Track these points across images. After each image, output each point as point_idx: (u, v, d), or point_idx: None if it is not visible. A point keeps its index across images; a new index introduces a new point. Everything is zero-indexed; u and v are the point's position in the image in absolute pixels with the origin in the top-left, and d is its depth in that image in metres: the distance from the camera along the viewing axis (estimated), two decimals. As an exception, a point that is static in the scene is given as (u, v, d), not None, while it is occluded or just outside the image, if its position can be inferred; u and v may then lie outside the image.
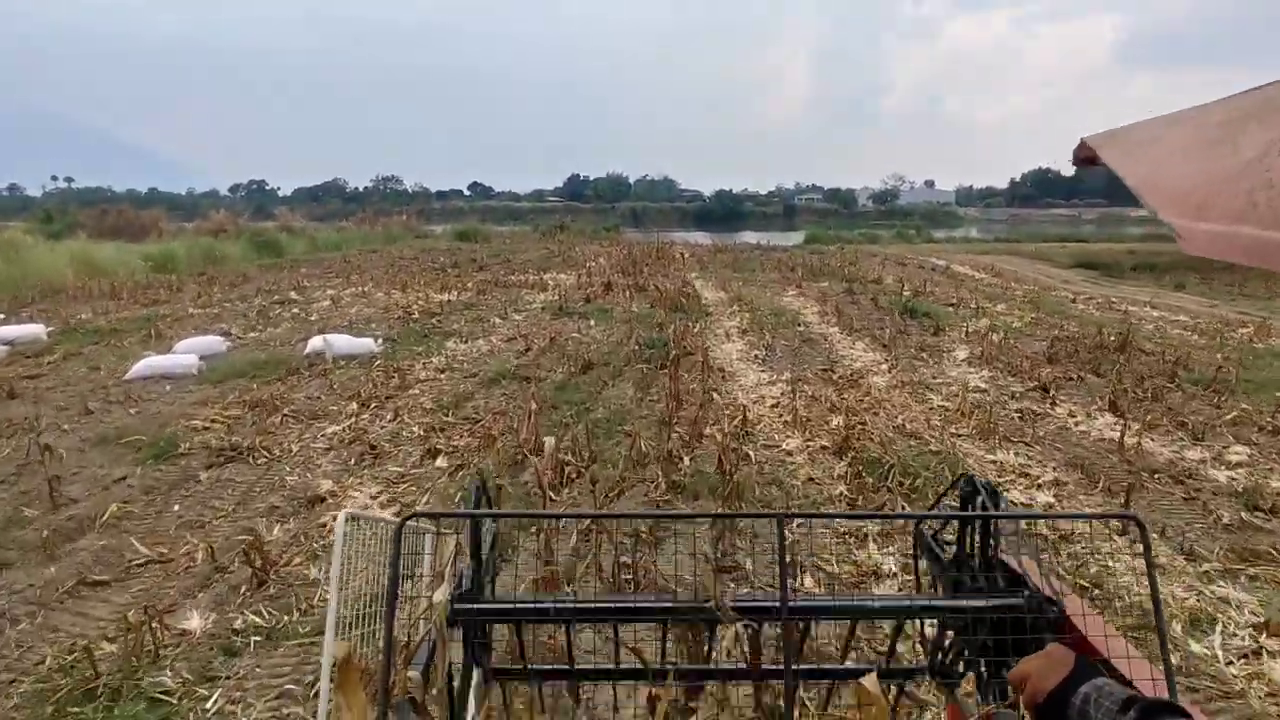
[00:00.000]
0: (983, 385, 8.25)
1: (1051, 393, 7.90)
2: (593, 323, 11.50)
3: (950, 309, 13.51)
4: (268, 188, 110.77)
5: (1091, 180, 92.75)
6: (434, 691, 1.67)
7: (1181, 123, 1.04)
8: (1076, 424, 6.91)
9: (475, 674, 1.93)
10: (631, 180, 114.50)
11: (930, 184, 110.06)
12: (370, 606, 2.49)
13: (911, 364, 9.13)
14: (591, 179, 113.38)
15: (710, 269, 20.04)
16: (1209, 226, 0.81)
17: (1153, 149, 1.03)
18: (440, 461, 5.74)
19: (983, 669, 1.83)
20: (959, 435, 6.46)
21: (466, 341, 10.21)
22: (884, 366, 8.96)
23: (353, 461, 5.81)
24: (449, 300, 13.88)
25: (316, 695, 2.75)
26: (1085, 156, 1.18)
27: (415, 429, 6.51)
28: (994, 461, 5.82)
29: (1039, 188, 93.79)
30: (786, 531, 1.83)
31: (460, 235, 30.85)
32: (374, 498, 5.12)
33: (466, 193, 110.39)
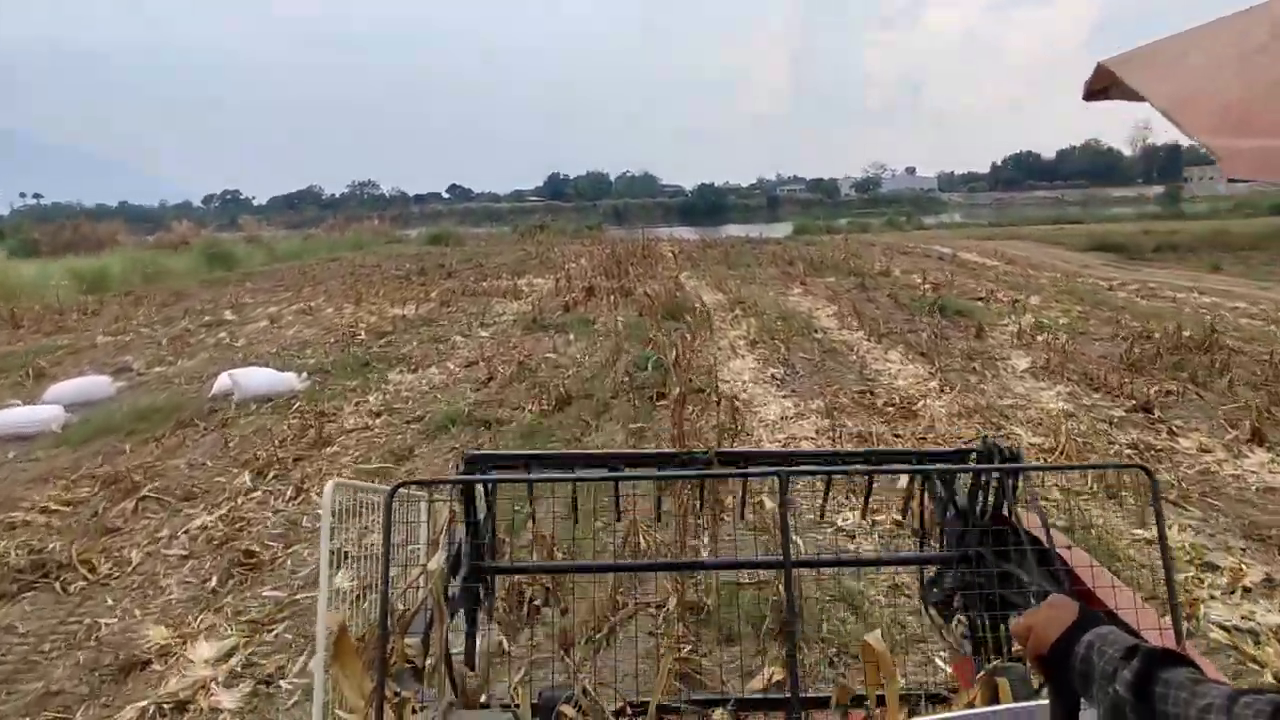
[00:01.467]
0: (1065, 406, 6.44)
1: (1157, 414, 6.11)
2: (572, 338, 9.60)
3: (979, 303, 11.72)
4: (242, 197, 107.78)
5: (1072, 160, 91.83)
6: (432, 659, 1.63)
7: (1215, 32, 0.89)
8: (1219, 463, 5.10)
9: (479, 639, 2.02)
10: (612, 177, 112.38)
11: (911, 171, 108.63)
12: (365, 575, 2.42)
13: (965, 379, 7.29)
14: (572, 178, 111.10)
15: (702, 266, 18.16)
16: (1254, 143, 0.71)
17: (1182, 64, 0.88)
18: (343, 578, 3.82)
19: (983, 616, 1.97)
20: (1079, 494, 4.61)
21: (416, 370, 8.26)
22: (933, 384, 7.12)
23: (214, 582, 3.89)
24: (405, 315, 11.92)
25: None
26: (1100, 86, 0.97)
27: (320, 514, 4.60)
28: (1149, 541, 3.98)
29: (1021, 170, 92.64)
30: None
31: (432, 239, 28.71)
32: (219, 661, 3.20)
33: (445, 195, 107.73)
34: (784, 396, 6.92)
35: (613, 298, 12.67)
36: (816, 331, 9.70)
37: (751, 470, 2.26)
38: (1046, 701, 0.92)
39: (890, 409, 6.40)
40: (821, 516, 3.06)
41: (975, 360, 8.05)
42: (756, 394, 7.04)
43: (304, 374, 7.60)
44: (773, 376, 7.64)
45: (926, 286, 13.62)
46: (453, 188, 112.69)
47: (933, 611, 2.21)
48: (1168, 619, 1.52)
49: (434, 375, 8.06)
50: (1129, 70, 0.91)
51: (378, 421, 6.44)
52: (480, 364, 8.37)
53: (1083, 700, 0.85)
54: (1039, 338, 9.00)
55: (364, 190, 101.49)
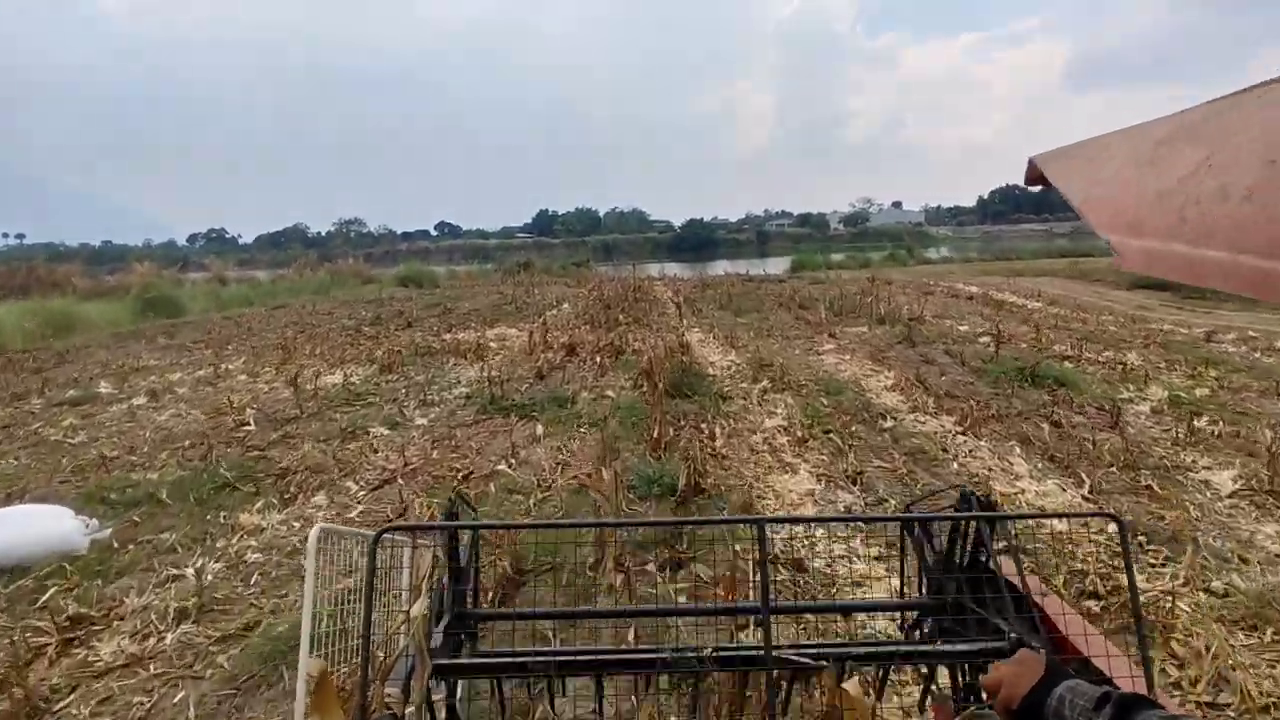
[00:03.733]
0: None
1: None
2: (542, 430, 6.72)
3: (1068, 364, 8.99)
4: (228, 235, 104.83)
5: (1059, 194, 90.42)
6: (413, 707, 1.60)
7: (1122, 141, 1.02)
8: None
9: (460, 686, 1.97)
10: (601, 213, 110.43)
11: (898, 205, 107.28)
12: (346, 622, 2.32)
13: (1150, 515, 4.48)
14: (561, 214, 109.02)
15: (702, 310, 15.40)
16: (1142, 243, 0.81)
17: (1094, 167, 1.00)
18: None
19: (962, 672, 1.98)
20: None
21: (294, 501, 5.34)
22: (1110, 529, 4.28)
23: None
24: (334, 385, 9.05)
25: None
26: (1034, 176, 1.10)
27: None
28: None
29: (1008, 204, 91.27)
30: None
31: (403, 280, 25.82)
32: None
33: (433, 233, 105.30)
34: (871, 548, 4.06)
35: (599, 358, 9.83)
36: (881, 416, 6.88)
37: (731, 520, 2.49)
38: None
39: (1088, 595, 3.55)
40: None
41: (1141, 471, 5.24)
42: (826, 543, 4.16)
43: (91, 524, 4.58)
44: (845, 505, 4.78)
45: (985, 339, 10.90)
46: (441, 225, 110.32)
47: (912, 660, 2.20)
48: (1140, 666, 1.57)
49: (318, 506, 5.15)
50: (1051, 169, 1.03)
51: (166, 644, 3.48)
52: (397, 480, 5.49)
53: None
54: (1200, 424, 6.23)
55: (350, 228, 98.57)
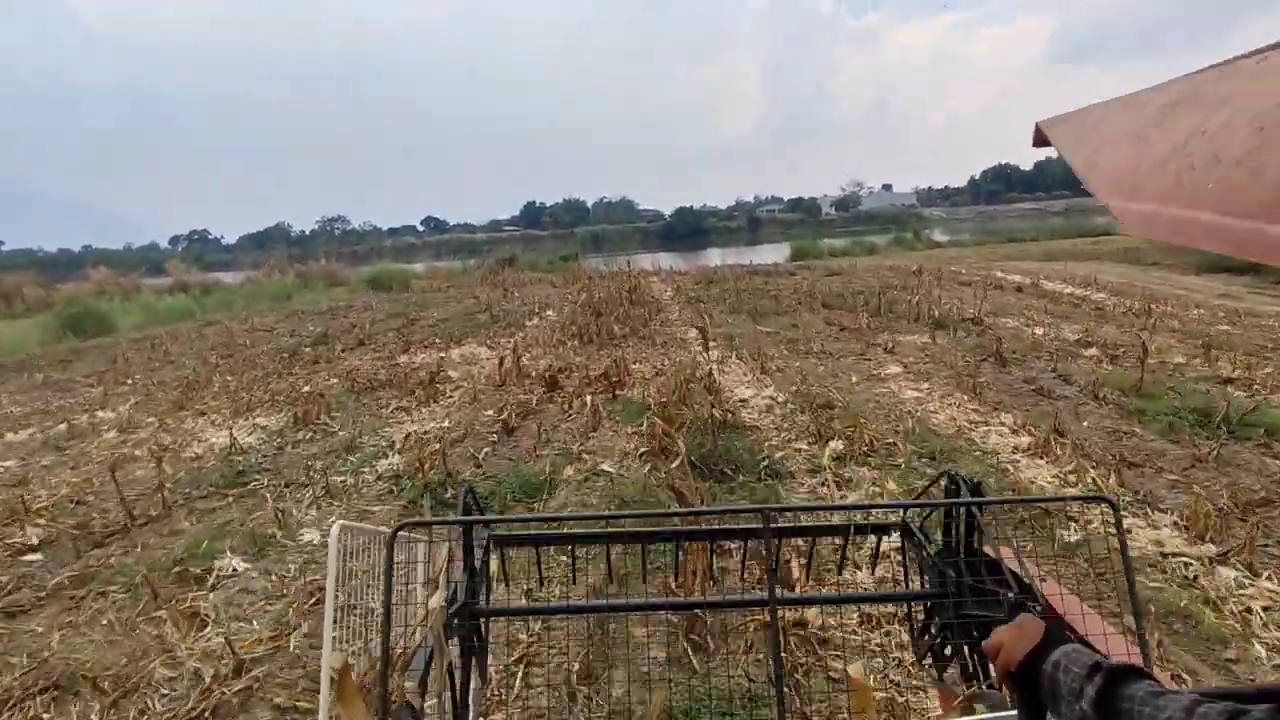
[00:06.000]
0: None
1: None
2: (496, 567, 4.00)
3: (1220, 387, 6.36)
4: (210, 237, 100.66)
5: (1051, 171, 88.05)
6: (432, 700, 1.63)
7: (1122, 108, 1.01)
8: None
9: (474, 678, 1.95)
10: (589, 204, 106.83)
11: (888, 187, 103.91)
12: (367, 617, 2.33)
13: None
14: (549, 205, 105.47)
15: (710, 313, 12.66)
16: (1140, 207, 0.81)
17: (1096, 133, 1.01)
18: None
19: (968, 655, 1.99)
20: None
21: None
22: None
23: None
24: (220, 449, 6.32)
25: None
26: (1040, 139, 1.12)
27: None
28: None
29: (1001, 183, 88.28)
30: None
31: (373, 282, 22.87)
32: None
33: (419, 228, 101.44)
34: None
35: (590, 397, 7.11)
36: (1043, 511, 4.19)
37: (733, 518, 2.36)
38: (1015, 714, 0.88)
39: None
40: (808, 576, 2.81)
41: None
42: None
43: None
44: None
45: (1090, 351, 8.25)
46: (427, 220, 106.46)
47: (928, 662, 2.19)
48: (1136, 645, 1.57)
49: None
50: (1056, 134, 1.04)
51: None
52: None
53: (1050, 715, 0.83)
54: None
55: (333, 226, 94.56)
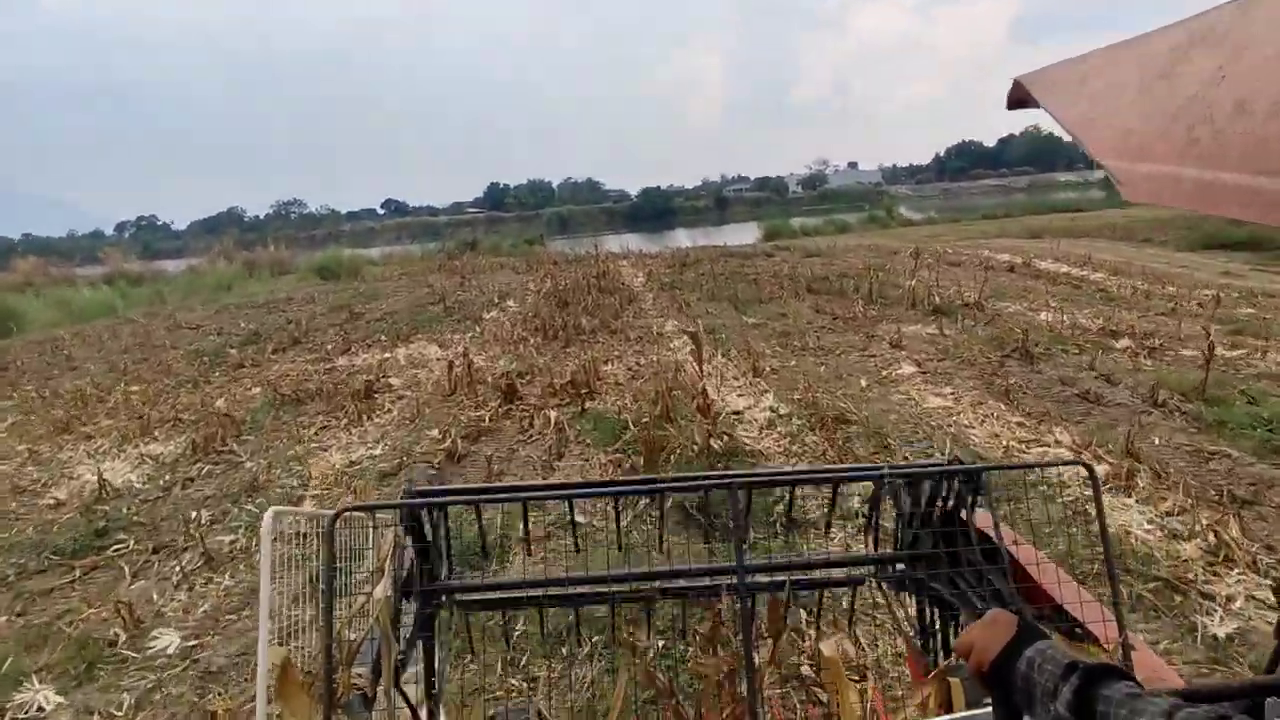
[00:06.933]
0: None
1: None
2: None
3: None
4: (159, 223, 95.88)
5: (1014, 148, 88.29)
6: (384, 687, 1.57)
7: (1119, 55, 0.86)
8: None
9: (437, 661, 1.94)
10: (555, 184, 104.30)
11: (854, 165, 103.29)
12: (309, 608, 2.17)
13: None
14: (513, 187, 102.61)
15: (687, 301, 11.47)
16: (1150, 169, 0.71)
17: (1089, 86, 0.86)
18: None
19: (934, 611, 2.03)
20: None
21: None
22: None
23: None
24: (88, 489, 4.98)
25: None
26: (1018, 98, 0.95)
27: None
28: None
29: (965, 159, 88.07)
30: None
31: (321, 271, 21.11)
32: None
33: (379, 211, 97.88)
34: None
35: (554, 412, 5.89)
36: (1169, 584, 3.13)
37: (707, 483, 2.14)
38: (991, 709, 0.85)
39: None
40: (788, 530, 3.18)
41: None
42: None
43: None
44: None
45: (1122, 343, 7.28)
46: (388, 202, 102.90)
47: (885, 588, 2.21)
48: (1110, 611, 1.57)
49: None
50: (1040, 89, 0.89)
51: None
52: None
53: (1025, 716, 0.80)
54: None
55: (289, 210, 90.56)
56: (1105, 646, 1.54)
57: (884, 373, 6.73)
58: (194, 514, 4.54)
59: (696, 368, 5.20)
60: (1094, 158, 0.78)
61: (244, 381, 8.40)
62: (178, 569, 3.84)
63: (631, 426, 5.27)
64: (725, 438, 4.91)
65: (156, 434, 6.51)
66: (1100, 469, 4.30)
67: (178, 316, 13.54)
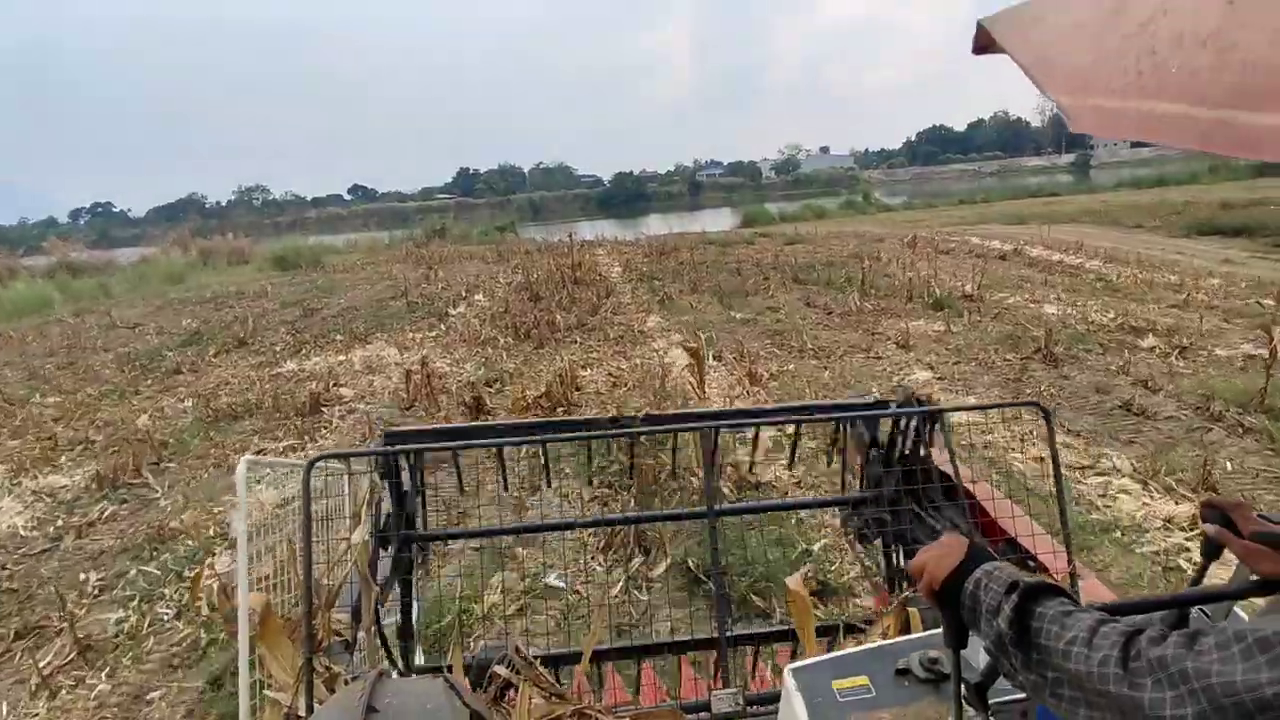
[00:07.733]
0: None
1: None
2: None
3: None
4: (115, 210, 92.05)
5: (983, 133, 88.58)
6: (364, 631, 1.57)
7: None
8: None
9: (415, 604, 2.00)
10: (526, 170, 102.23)
11: (825, 150, 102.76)
12: (289, 555, 2.02)
13: None
14: (483, 172, 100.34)
15: (669, 293, 10.67)
16: (1095, 102, 0.72)
17: (1045, 25, 0.86)
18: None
19: (897, 549, 2.13)
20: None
21: None
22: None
23: None
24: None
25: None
26: (983, 42, 0.93)
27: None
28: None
29: (935, 144, 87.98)
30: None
31: (279, 262, 19.87)
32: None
33: (346, 197, 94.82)
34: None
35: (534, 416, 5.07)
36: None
37: (680, 425, 2.22)
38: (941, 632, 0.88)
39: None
40: (751, 468, 3.33)
41: None
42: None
43: None
44: None
45: (1148, 341, 6.67)
46: (355, 188, 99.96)
47: (852, 537, 2.31)
48: (1060, 541, 1.69)
49: None
50: (999, 29, 0.90)
51: None
52: None
53: (971, 632, 0.83)
54: None
55: (252, 196, 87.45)
56: (1054, 576, 1.57)
57: (895, 380, 6.02)
58: (81, 577, 3.65)
59: (697, 389, 4.40)
60: (1046, 94, 0.77)
61: (178, 391, 7.44)
62: (41, 664, 2.96)
63: (617, 451, 4.49)
64: (729, 468, 4.14)
65: (63, 460, 5.57)
66: (1163, 501, 3.60)
67: (114, 314, 12.35)
